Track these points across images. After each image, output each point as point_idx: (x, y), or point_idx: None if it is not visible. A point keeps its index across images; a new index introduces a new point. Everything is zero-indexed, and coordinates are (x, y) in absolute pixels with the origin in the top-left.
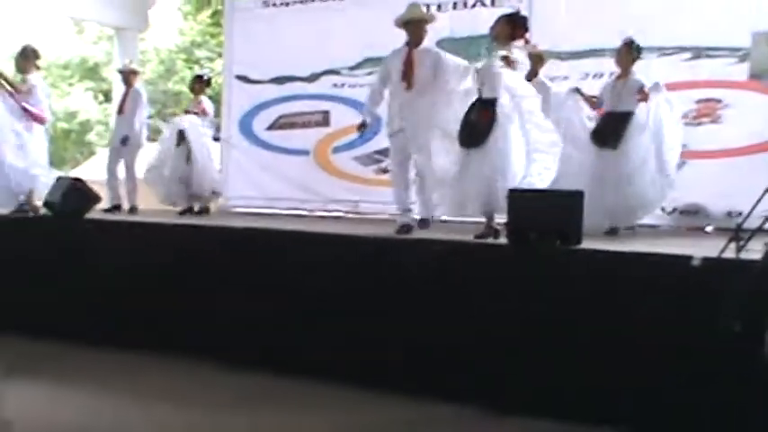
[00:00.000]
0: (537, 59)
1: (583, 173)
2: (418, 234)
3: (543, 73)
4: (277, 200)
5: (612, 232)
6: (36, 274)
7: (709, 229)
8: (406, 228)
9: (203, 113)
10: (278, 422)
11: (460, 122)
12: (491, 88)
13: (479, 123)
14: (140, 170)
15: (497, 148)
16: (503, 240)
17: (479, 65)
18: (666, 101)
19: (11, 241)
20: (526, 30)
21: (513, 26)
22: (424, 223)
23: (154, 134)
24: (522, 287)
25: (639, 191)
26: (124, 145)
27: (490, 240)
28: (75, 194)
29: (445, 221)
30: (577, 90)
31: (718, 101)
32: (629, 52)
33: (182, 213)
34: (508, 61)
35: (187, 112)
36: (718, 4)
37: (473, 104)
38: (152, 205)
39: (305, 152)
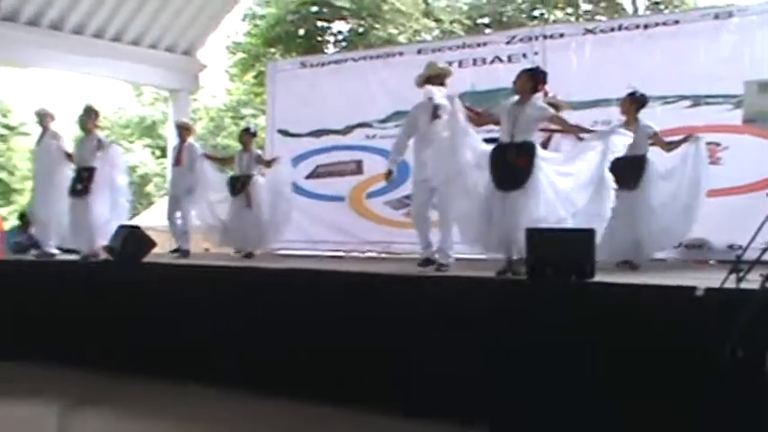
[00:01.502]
0: (556, 108)
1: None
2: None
3: None
4: (317, 242)
5: (632, 267)
6: (99, 314)
7: (712, 261)
8: (427, 261)
9: (260, 161)
10: None
11: (491, 166)
12: (523, 132)
13: (517, 166)
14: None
15: (536, 190)
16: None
17: (505, 104)
18: (703, 152)
19: (79, 283)
20: (545, 83)
21: (535, 80)
22: (443, 267)
23: None
24: (541, 318)
25: (657, 230)
26: (190, 194)
27: (510, 276)
28: (134, 241)
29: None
30: None
31: (717, 144)
32: (633, 102)
33: (245, 257)
34: (557, 109)
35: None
36: (713, 56)
37: (502, 147)
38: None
39: (341, 198)
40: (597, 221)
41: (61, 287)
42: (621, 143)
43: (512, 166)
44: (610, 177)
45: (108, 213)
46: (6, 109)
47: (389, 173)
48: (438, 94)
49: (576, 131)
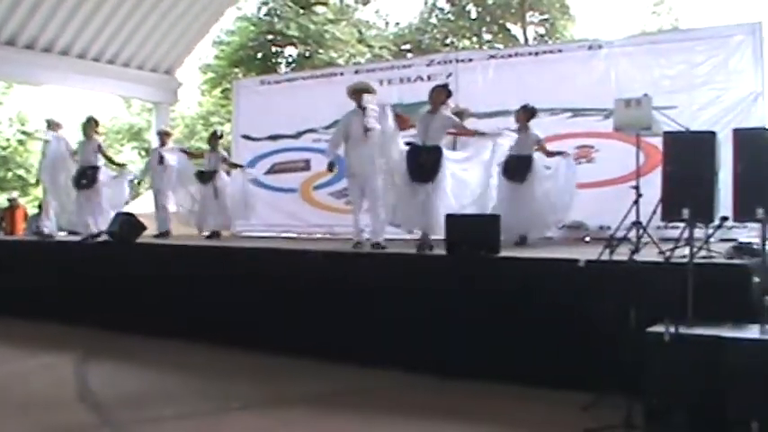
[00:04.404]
0: (461, 115)
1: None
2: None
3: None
4: (273, 226)
5: (522, 242)
6: (101, 284)
7: (587, 239)
8: (359, 245)
9: (224, 162)
10: (268, 390)
11: (407, 163)
12: (433, 138)
13: (428, 165)
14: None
15: (443, 183)
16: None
17: (421, 113)
18: (570, 164)
19: (85, 261)
20: (450, 96)
21: (446, 93)
22: (377, 246)
23: None
24: (458, 284)
25: (539, 214)
26: (169, 187)
27: (434, 252)
28: (129, 225)
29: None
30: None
31: (592, 147)
32: (525, 113)
33: (208, 237)
34: (460, 116)
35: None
36: (588, 78)
37: (416, 149)
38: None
39: (293, 190)
40: (488, 207)
41: (70, 262)
42: (507, 143)
43: (422, 166)
44: (496, 171)
45: (105, 203)
46: (24, 119)
47: (332, 164)
48: (371, 100)
49: (473, 135)
